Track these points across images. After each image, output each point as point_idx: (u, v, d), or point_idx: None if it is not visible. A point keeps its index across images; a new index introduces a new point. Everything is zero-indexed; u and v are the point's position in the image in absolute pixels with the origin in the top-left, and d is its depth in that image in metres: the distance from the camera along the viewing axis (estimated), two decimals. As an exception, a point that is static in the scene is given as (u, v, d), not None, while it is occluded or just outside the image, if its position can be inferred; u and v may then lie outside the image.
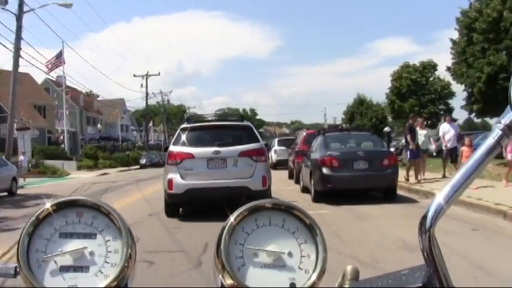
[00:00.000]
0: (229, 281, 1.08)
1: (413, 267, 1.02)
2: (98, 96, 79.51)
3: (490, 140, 0.91)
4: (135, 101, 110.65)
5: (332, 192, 14.22)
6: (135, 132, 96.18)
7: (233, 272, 1.08)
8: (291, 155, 24.55)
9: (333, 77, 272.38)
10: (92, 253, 1.14)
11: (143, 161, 56.57)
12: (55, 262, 1.12)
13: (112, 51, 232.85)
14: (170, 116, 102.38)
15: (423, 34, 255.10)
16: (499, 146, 0.91)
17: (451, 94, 49.20)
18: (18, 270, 1.11)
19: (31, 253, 1.12)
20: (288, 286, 1.11)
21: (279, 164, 34.26)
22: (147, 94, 71.82)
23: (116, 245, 1.15)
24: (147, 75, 71.17)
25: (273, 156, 35.43)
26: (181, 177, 11.78)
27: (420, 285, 0.98)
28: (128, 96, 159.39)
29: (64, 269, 1.12)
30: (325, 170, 14.12)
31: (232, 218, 1.13)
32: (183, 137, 12.26)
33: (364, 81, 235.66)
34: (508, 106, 0.90)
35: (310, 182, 14.99)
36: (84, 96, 73.00)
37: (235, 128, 13.01)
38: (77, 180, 32.65)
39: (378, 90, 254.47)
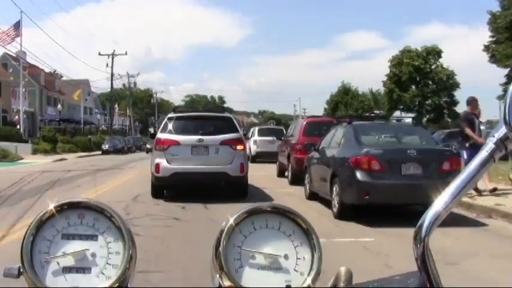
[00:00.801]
0: (227, 283, 1.07)
1: (406, 274, 1.00)
2: (61, 76, 74.91)
3: (483, 153, 0.91)
4: (100, 82, 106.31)
5: (362, 206, 10.07)
6: (99, 116, 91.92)
7: (231, 273, 1.08)
8: (284, 147, 19.90)
9: (304, 68, 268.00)
10: (93, 254, 1.12)
11: (106, 147, 52.87)
12: (57, 263, 1.11)
13: (79, 32, 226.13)
14: (137, 100, 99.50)
15: (393, 30, 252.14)
16: (492, 159, 0.91)
17: (456, 85, 44.56)
18: (21, 270, 1.09)
19: (34, 254, 1.10)
20: None
21: (260, 157, 30.30)
22: (112, 74, 67.93)
23: (117, 246, 1.12)
24: (113, 55, 67.81)
25: (252, 148, 31.03)
26: (168, 161, 12.94)
27: None
28: (93, 78, 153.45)
29: (66, 270, 1.10)
30: (360, 175, 9.68)
31: (231, 220, 1.11)
32: (170, 126, 13.43)
33: (336, 74, 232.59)
34: (502, 120, 0.88)
35: (331, 190, 10.62)
36: (45, 75, 67.88)
37: (217, 119, 14.04)
38: (28, 167, 28.55)
39: (352, 83, 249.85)
